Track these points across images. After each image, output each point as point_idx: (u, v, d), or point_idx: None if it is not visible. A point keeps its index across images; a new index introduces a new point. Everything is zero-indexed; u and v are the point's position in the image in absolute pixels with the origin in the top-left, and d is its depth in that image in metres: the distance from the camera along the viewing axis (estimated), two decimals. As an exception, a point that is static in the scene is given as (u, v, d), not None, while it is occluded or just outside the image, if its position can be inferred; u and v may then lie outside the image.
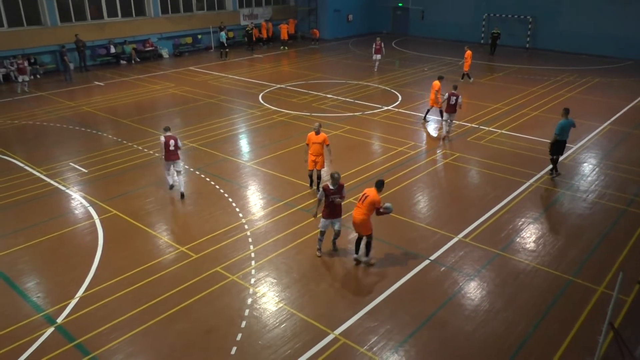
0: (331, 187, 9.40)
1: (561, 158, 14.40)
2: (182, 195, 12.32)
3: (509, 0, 32.60)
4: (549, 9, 31.26)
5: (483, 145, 15.76)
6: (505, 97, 21.11)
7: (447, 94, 15.95)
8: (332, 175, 9.43)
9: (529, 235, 10.73)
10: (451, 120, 16.26)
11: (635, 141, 16.28)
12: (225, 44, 29.89)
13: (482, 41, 34.15)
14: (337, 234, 9.88)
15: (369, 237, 9.51)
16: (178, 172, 12.26)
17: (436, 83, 17.25)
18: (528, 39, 32.38)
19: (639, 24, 28.36)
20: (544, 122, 17.93)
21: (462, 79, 23.74)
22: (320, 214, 9.69)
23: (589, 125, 17.32)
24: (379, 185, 9.35)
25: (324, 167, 12.45)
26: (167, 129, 12.19)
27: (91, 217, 11.41)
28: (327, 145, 12.00)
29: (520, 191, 12.63)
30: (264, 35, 33.81)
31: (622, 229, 10.89)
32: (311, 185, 12.74)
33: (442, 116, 16.71)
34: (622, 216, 11.47)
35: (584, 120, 17.84)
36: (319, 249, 9.94)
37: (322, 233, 9.76)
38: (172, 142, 11.93)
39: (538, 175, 13.48)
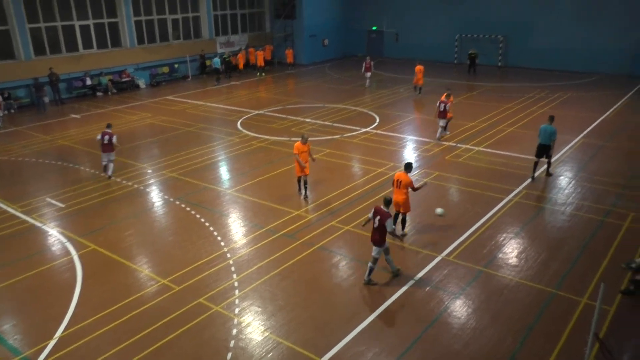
0: (382, 206, 9.53)
1: (538, 172, 14.65)
2: (109, 177, 15.28)
3: (480, 21, 33.43)
4: (518, 28, 32.13)
5: (461, 163, 15.95)
6: (481, 114, 21.48)
7: (438, 102, 17.65)
8: (385, 199, 9.61)
9: (511, 250, 10.82)
10: (443, 126, 17.80)
11: (608, 153, 16.65)
12: (221, 70, 31.18)
13: (455, 61, 34.85)
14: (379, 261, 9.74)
15: (405, 215, 11.21)
16: (110, 161, 15.24)
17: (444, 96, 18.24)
18: (500, 57, 33.16)
19: (604, 40, 29.30)
20: (519, 138, 18.25)
21: (416, 91, 25.89)
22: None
23: (564, 139, 17.66)
24: (408, 167, 11.10)
25: (308, 174, 13.42)
26: (108, 126, 15.20)
27: (69, 253, 11.18)
28: (308, 151, 13.23)
29: (500, 207, 12.77)
30: (240, 65, 33.80)
31: (601, 240, 11.05)
32: (299, 189, 13.73)
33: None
34: (600, 227, 11.65)
35: (558, 134, 18.18)
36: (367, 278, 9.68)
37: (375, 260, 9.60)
38: (106, 137, 14.87)
39: (516, 191, 13.65)
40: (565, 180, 14.51)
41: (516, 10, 31.84)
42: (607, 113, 21.29)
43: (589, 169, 15.16)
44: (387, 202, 9.55)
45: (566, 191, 13.89)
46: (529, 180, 14.29)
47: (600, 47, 29.61)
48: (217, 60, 31.23)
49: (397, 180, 11.07)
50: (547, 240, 11.22)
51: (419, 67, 25.24)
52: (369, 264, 9.61)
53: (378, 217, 9.41)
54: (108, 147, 14.99)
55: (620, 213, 12.26)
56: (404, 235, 11.27)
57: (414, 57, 33.54)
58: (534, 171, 14.42)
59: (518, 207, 12.82)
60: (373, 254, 9.54)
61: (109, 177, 15.23)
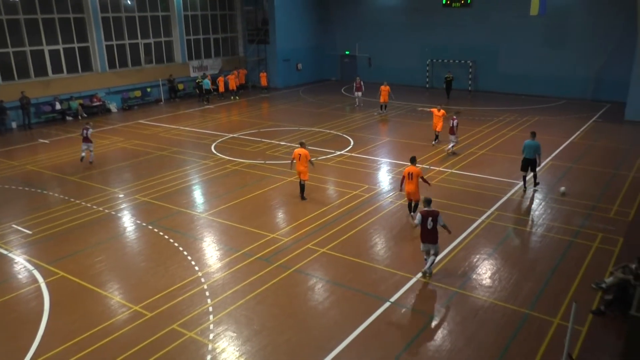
0: (425, 207, 10.36)
1: (509, 194, 14.94)
2: (90, 162, 18.96)
3: (450, 47, 34.32)
4: (487, 54, 33.10)
5: (435, 185, 16.13)
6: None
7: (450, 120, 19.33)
8: (425, 200, 10.51)
9: (485, 271, 10.93)
10: (455, 141, 19.43)
11: (576, 175, 17.12)
12: (212, 90, 32.42)
13: (427, 85, 35.59)
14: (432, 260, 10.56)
15: (417, 202, 13.08)
16: (90, 150, 18.99)
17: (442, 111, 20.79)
18: (470, 82, 34.01)
19: (570, 65, 30.39)
20: (491, 160, 18.63)
21: (381, 110, 27.47)
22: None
23: (532, 161, 18.08)
24: (413, 160, 13.13)
25: (307, 179, 14.95)
26: (88, 123, 19.81)
27: (36, 280, 10.82)
28: (308, 158, 14.67)
29: (473, 228, 12.94)
30: (221, 88, 33.75)
31: (571, 261, 11.27)
32: (302, 197, 15.10)
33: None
34: (570, 248, 11.89)
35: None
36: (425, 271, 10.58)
37: (425, 253, 10.60)
38: (85, 132, 18.88)
39: (489, 212, 13.87)
40: (535, 202, 14.82)
41: (485, 37, 32.83)
42: (574, 136, 21.96)
43: (557, 190, 15.52)
44: (428, 201, 10.41)
45: (536, 212, 14.18)
46: (521, 192, 15.39)
47: (565, 73, 30.68)
48: (207, 81, 32.01)
49: (409, 173, 12.83)
50: (519, 261, 11.39)
51: (383, 87, 26.96)
52: (432, 257, 10.45)
53: (430, 218, 10.13)
54: (87, 139, 18.90)
55: (589, 234, 12.55)
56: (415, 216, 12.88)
57: (387, 82, 34.17)
58: (525, 183, 15.47)
59: (491, 228, 13.01)
60: (432, 252, 10.42)
61: (90, 162, 19.06)
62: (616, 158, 18.89)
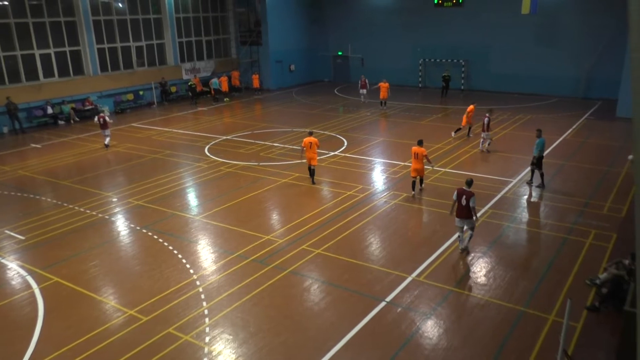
0: (465, 187, 11.38)
1: (503, 192, 15.02)
2: (107, 146, 21.67)
3: (442, 46, 34.41)
4: (479, 53, 33.20)
5: (428, 184, 16.18)
6: (446, 137, 21.94)
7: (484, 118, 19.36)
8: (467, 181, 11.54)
9: (480, 269, 10.96)
10: (486, 137, 19.58)
11: (568, 172, 17.21)
12: (220, 90, 32.95)
13: (420, 85, 35.68)
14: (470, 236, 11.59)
15: (422, 177, 15.17)
16: (108, 135, 21.66)
17: (471, 107, 21.42)
18: (462, 81, 34.12)
19: (562, 64, 30.53)
20: (484, 159, 18.70)
21: (382, 106, 28.69)
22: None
23: (526, 159, 18.15)
24: (420, 142, 14.82)
25: (316, 164, 16.45)
26: (101, 110, 21.92)
27: (30, 286, 10.75)
28: (318, 146, 16.30)
29: (468, 227, 12.95)
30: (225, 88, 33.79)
31: (565, 257, 11.32)
32: (312, 181, 16.45)
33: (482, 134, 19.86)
34: (564, 245, 11.95)
35: (521, 155, 18.76)
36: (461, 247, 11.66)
37: (459, 228, 11.53)
38: (101, 119, 21.25)
39: (483, 210, 13.90)
40: (528, 199, 14.88)
41: (477, 36, 32.92)
42: (566, 134, 22.07)
43: (551, 187, 15.60)
44: (469, 182, 11.40)
45: (530, 210, 14.24)
46: (536, 185, 15.65)
47: (557, 71, 30.83)
48: (215, 81, 33.01)
49: (415, 153, 14.68)
50: (514, 258, 11.43)
51: (383, 84, 28.09)
52: (469, 233, 11.46)
53: (464, 197, 11.14)
54: (105, 126, 21.39)
55: (583, 230, 12.62)
56: (421, 189, 15.38)
57: (380, 81, 34.36)
58: (543, 182, 15.67)
59: (485, 226, 13.04)
60: (466, 227, 11.40)
61: (106, 146, 21.64)
62: (608, 155, 19.01)
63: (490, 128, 19.51)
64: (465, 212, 11.20)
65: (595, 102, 28.73)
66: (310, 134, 16.41)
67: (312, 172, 16.38)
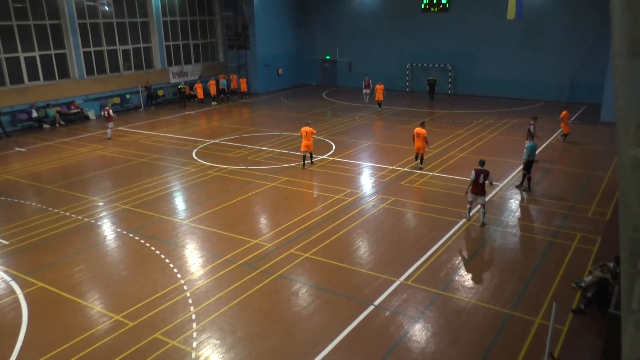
0: (479, 167, 13.09)
1: (490, 196, 15.13)
2: (109, 139, 23.76)
3: (429, 51, 34.67)
4: (466, 58, 33.50)
5: (416, 188, 16.27)
6: (433, 140, 22.01)
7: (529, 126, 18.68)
8: (480, 161, 13.30)
9: (467, 273, 11.03)
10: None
11: (554, 176, 17.40)
12: (227, 91, 34.02)
13: (407, 89, 35.87)
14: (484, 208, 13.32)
15: (422, 154, 17.90)
16: (110, 128, 24.01)
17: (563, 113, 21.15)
18: (450, 85, 34.38)
19: (547, 68, 30.92)
20: (471, 163, 18.78)
21: (379, 107, 29.56)
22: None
23: (512, 163, 18.36)
24: (423, 124, 17.88)
25: (312, 150, 18.55)
26: (107, 104, 25.05)
27: (13, 292, 10.60)
28: (314, 133, 18.47)
29: (455, 230, 13.05)
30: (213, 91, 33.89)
31: (551, 261, 11.43)
32: (304, 165, 18.57)
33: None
34: (550, 248, 12.07)
35: (507, 158, 18.94)
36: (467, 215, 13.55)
37: (470, 202, 13.41)
38: (106, 113, 23.83)
39: (470, 214, 13.98)
40: (515, 203, 15.02)
41: (463, 41, 33.22)
42: (551, 138, 22.31)
43: (537, 191, 15.76)
44: (482, 162, 13.17)
45: (516, 213, 14.37)
46: (524, 189, 15.81)
47: (542, 76, 31.21)
48: (224, 81, 33.83)
49: (417, 133, 17.55)
50: (500, 262, 11.52)
51: (378, 86, 29.40)
52: (482, 210, 13.30)
53: (482, 175, 12.88)
54: (109, 118, 23.73)
55: (568, 234, 12.75)
56: (421, 167, 18.01)
57: (376, 84, 34.71)
58: (530, 186, 15.84)
59: (472, 230, 13.13)
60: (479, 201, 13.26)
61: (109, 139, 23.77)
62: (592, 159, 19.26)
63: (536, 136, 18.02)
64: (480, 189, 12.98)
65: (580, 107, 29.10)
66: (308, 124, 18.58)
67: (310, 156, 18.83)
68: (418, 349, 8.52)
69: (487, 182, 12.91)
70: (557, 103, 30.34)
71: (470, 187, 13.18)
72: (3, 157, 21.57)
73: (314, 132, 18.53)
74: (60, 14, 28.16)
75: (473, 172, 13.10)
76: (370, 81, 31.80)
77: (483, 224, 13.28)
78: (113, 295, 10.50)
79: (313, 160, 19.01)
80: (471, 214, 13.65)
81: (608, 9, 3.97)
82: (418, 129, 17.58)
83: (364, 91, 31.95)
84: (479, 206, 13.49)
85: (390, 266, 11.29)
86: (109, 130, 23.96)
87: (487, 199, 14.83)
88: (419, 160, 18.06)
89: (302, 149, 18.44)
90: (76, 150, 22.20)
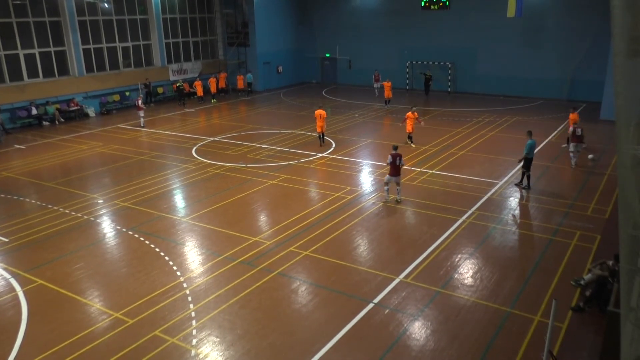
0: (393, 151, 14.58)
1: (489, 193, 15.14)
2: (142, 127, 25.54)
3: (429, 48, 34.62)
4: (466, 55, 33.46)
5: (416, 186, 16.26)
6: (433, 138, 22.07)
7: (572, 127, 18.04)
8: (393, 146, 14.86)
9: (466, 270, 11.03)
10: (577, 150, 17.81)
11: (553, 174, 17.39)
12: (250, 87, 35.29)
13: (407, 87, 35.84)
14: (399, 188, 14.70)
15: (411, 134, 20.70)
16: (142, 117, 25.84)
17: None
18: (449, 83, 34.34)
19: (547, 66, 30.89)
20: (471, 161, 18.82)
21: (387, 105, 30.08)
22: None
23: (512, 161, 18.34)
24: (412, 108, 20.93)
25: (325, 130, 21.33)
26: (138, 96, 25.93)
27: (13, 289, 10.60)
28: (326, 116, 21.24)
29: (454, 228, 13.05)
30: (221, 84, 34.58)
31: (551, 258, 11.44)
32: (321, 143, 21.26)
33: (568, 147, 18.61)
34: (550, 246, 12.07)
35: (507, 156, 18.93)
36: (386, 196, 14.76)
37: (387, 183, 14.70)
38: (138, 102, 25.97)
39: (469, 212, 14.01)
40: (514, 201, 15.02)
41: (463, 39, 33.18)
42: (551, 136, 22.31)
43: (536, 189, 15.76)
44: (395, 147, 14.76)
45: (516, 211, 14.38)
46: (524, 186, 15.76)
47: (542, 74, 31.18)
48: (250, 75, 35.51)
49: (407, 117, 20.68)
50: (500, 259, 11.52)
51: (386, 83, 29.85)
52: (398, 188, 14.72)
53: (398, 157, 14.30)
54: (140, 107, 25.63)
55: (568, 231, 12.76)
56: (412, 143, 20.82)
57: (368, 84, 34.68)
58: (529, 184, 15.76)
59: (472, 228, 13.13)
60: (396, 181, 14.58)
61: (142, 126, 25.64)
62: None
63: (577, 139, 17.56)
64: (397, 170, 14.38)
65: (579, 105, 29.07)
66: (320, 107, 21.61)
67: (323, 136, 21.31)
68: (417, 346, 8.53)
69: (402, 164, 14.52)
70: (557, 101, 30.34)
71: (390, 170, 14.49)
72: (2, 155, 21.56)
73: (326, 115, 21.29)
74: (59, 11, 28.10)
75: (390, 156, 14.46)
76: (380, 76, 32.90)
77: (399, 201, 14.66)
78: (113, 292, 10.50)
79: (324, 139, 21.47)
80: (389, 195, 14.82)
81: (608, 8, 3.97)
82: (409, 114, 20.68)
83: (375, 85, 33.28)
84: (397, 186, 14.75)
85: (389, 264, 11.30)
86: (141, 119, 25.75)
87: (487, 196, 14.87)
88: (410, 141, 20.61)
89: (318, 129, 21.09)
90: (76, 148, 22.18)
